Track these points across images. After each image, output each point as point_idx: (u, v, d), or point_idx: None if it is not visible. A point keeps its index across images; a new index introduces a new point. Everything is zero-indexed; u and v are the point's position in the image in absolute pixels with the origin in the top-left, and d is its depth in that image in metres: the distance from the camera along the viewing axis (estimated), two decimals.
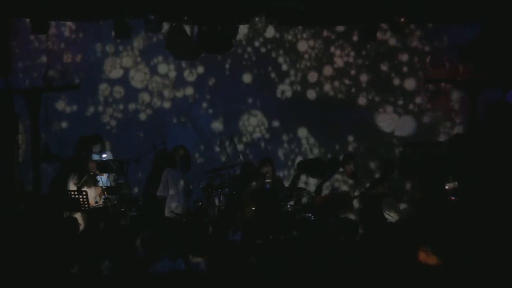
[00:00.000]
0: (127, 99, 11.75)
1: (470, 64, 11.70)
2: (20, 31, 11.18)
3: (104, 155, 10.77)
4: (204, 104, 11.90)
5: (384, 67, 12.02)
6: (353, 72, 12.02)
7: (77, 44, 11.55)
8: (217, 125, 11.86)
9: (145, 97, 11.79)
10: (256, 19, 10.97)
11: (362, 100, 12.02)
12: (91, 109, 11.67)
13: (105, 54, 11.66)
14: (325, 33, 12.01)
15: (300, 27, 11.96)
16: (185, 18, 11.28)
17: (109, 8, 10.83)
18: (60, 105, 11.54)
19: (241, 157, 11.27)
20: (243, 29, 11.81)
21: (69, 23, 11.43)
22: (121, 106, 11.76)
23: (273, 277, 6.50)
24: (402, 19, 11.06)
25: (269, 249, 7.58)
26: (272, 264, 6.76)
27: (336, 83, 12.02)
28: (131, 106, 11.75)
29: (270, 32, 11.91)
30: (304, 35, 12.00)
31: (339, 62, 12.02)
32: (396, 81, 12.05)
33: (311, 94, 12.03)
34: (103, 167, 10.39)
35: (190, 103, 11.88)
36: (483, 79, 11.50)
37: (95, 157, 10.67)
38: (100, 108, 11.70)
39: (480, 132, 11.64)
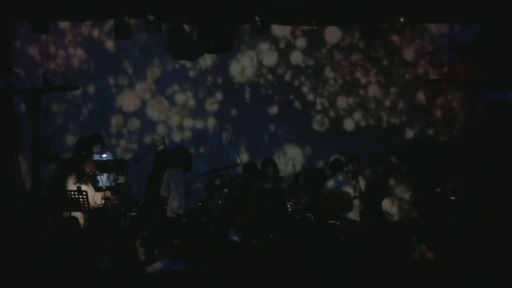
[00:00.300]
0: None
1: (470, 64, 11.69)
2: (20, 31, 11.16)
3: (104, 155, 10.76)
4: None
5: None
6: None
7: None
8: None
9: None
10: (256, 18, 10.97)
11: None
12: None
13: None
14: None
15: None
16: (185, 18, 11.25)
17: (109, 8, 10.82)
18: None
19: (240, 159, 11.27)
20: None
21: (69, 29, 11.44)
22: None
23: (273, 277, 6.49)
24: (402, 19, 11.06)
25: (269, 249, 7.57)
26: (272, 264, 6.76)
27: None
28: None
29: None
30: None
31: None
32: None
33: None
34: (103, 167, 10.37)
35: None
36: (483, 79, 11.50)
37: (96, 157, 10.67)
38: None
39: (480, 132, 11.64)
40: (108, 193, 9.98)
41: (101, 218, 9.78)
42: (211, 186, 10.82)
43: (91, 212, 9.80)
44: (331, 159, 11.81)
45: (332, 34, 11.95)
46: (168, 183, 10.32)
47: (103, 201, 10.01)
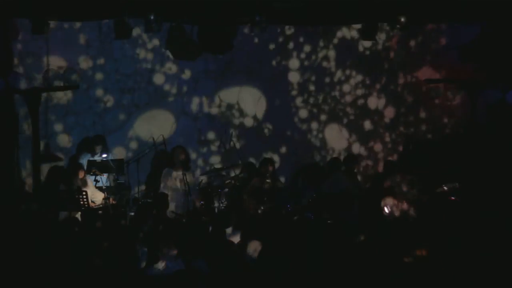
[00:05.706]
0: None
1: (470, 64, 11.70)
2: (20, 31, 11.16)
3: (104, 155, 10.76)
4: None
5: None
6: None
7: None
8: None
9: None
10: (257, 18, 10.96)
11: None
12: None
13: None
14: None
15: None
16: (185, 18, 11.25)
17: (109, 8, 10.82)
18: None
19: (240, 159, 11.27)
20: None
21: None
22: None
23: (273, 277, 6.50)
24: (402, 19, 11.07)
25: (269, 249, 7.57)
26: (272, 264, 6.77)
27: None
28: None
29: None
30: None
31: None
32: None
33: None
34: (103, 167, 10.38)
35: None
36: (483, 79, 11.50)
37: (96, 157, 10.68)
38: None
39: (480, 132, 11.64)
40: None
41: (101, 218, 9.79)
42: (211, 186, 10.83)
43: (91, 212, 9.82)
44: (331, 159, 11.81)
45: None
46: (167, 183, 10.32)
47: (103, 201, 10.03)
